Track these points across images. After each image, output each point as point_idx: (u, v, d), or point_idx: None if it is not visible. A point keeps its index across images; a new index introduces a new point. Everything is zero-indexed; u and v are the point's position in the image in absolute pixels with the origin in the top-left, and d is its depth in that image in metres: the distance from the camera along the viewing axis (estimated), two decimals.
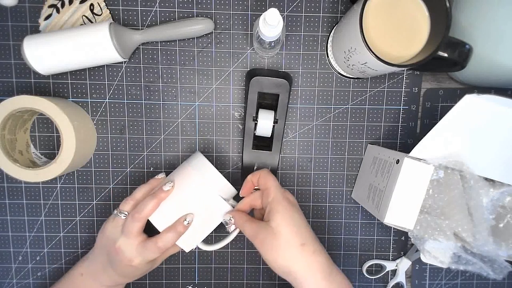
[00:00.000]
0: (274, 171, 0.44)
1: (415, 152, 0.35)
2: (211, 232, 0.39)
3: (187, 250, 0.39)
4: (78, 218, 0.46)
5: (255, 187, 0.39)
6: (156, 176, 0.40)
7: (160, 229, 0.37)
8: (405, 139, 0.46)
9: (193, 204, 0.38)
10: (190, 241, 0.39)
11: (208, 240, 0.47)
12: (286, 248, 0.33)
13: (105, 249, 0.38)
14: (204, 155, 0.40)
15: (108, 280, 0.39)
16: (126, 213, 0.38)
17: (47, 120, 0.44)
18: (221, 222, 0.39)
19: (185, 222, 0.37)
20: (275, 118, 0.42)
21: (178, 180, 0.38)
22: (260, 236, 0.34)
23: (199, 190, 0.38)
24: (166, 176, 0.40)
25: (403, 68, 0.36)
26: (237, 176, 0.46)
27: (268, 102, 0.43)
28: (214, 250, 0.47)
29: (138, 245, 0.37)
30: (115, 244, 0.37)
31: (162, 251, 0.37)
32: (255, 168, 0.43)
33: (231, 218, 0.37)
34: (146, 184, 0.39)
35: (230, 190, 0.39)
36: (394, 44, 0.35)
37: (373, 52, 0.32)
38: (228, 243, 0.42)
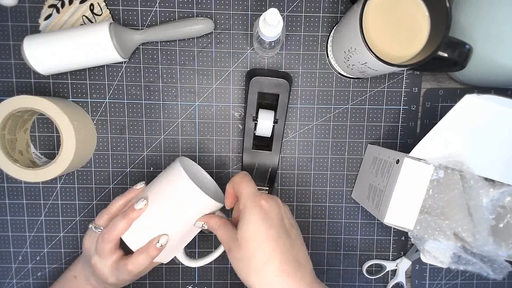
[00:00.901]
0: (274, 171, 0.43)
1: (415, 152, 0.35)
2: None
3: (165, 262, 0.38)
4: (78, 218, 0.46)
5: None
6: (134, 186, 0.37)
7: (133, 248, 0.35)
8: (405, 139, 0.46)
9: (170, 221, 0.35)
10: (168, 255, 0.37)
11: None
12: (248, 265, 0.29)
13: (87, 261, 0.37)
14: (190, 158, 0.38)
15: (98, 284, 0.38)
16: (101, 228, 0.36)
17: (47, 120, 0.44)
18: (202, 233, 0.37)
19: (158, 245, 0.34)
20: (275, 118, 0.42)
21: (153, 194, 0.35)
22: (228, 245, 0.31)
23: (176, 207, 0.35)
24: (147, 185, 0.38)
25: (403, 68, 0.36)
26: None
27: (268, 102, 0.43)
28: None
29: (110, 265, 0.35)
30: (91, 260, 0.36)
31: (134, 274, 0.35)
32: (255, 167, 0.43)
33: (204, 225, 0.35)
34: (122, 196, 0.37)
35: (212, 204, 0.35)
36: (394, 44, 0.35)
37: (373, 52, 0.32)
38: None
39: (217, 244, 0.47)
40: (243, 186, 0.32)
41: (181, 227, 0.35)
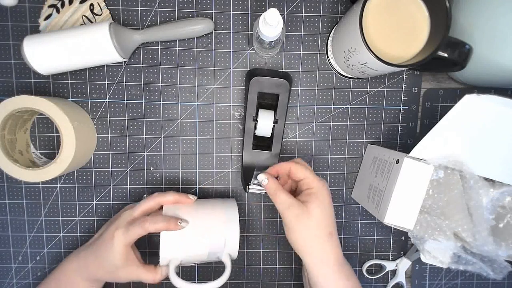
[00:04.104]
0: None
1: (415, 152, 0.35)
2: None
3: (161, 262, 0.37)
4: (78, 218, 0.46)
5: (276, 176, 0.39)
6: (190, 196, 0.40)
7: (163, 243, 0.37)
8: (405, 139, 0.46)
9: (200, 244, 0.38)
10: (174, 254, 0.38)
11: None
12: (316, 231, 0.35)
13: (106, 228, 0.39)
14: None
15: (88, 274, 0.38)
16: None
17: (47, 120, 0.44)
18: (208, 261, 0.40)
19: (179, 222, 0.37)
20: (275, 118, 0.42)
21: (199, 217, 0.38)
22: (293, 211, 0.35)
23: (212, 235, 0.38)
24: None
25: (403, 68, 0.36)
26: (237, 176, 0.46)
27: (268, 102, 0.43)
28: None
29: (124, 229, 0.37)
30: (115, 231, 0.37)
31: (144, 232, 0.36)
32: (255, 167, 0.43)
33: (266, 179, 0.37)
34: (178, 194, 0.40)
35: (235, 248, 0.39)
36: (394, 44, 0.35)
37: (373, 52, 0.32)
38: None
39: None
40: (308, 172, 0.37)
41: (206, 249, 0.38)
